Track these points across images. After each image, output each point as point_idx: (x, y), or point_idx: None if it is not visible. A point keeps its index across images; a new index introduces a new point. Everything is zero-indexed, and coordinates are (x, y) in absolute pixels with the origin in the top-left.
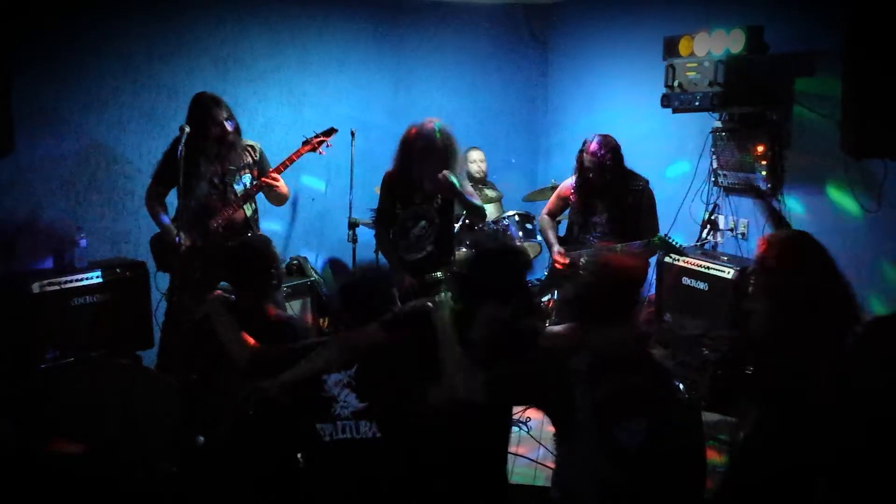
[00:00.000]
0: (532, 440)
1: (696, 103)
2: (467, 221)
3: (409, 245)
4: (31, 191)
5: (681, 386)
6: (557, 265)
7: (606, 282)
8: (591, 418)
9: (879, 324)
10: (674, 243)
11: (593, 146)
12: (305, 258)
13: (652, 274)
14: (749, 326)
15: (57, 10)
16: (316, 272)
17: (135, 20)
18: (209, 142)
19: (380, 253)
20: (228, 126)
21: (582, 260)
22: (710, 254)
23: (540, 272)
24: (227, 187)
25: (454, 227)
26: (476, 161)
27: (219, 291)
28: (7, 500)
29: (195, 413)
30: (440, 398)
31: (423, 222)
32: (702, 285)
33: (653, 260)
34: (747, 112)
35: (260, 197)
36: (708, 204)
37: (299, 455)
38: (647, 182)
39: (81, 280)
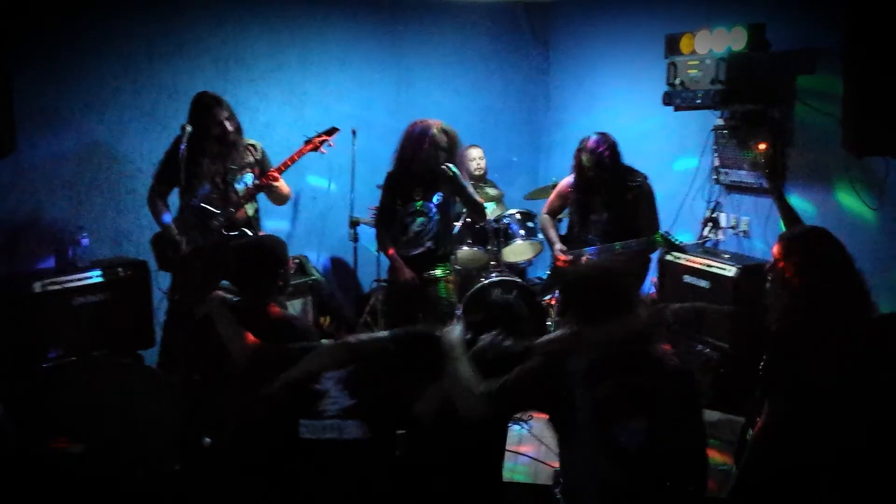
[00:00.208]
0: (533, 439)
1: (698, 101)
2: (468, 220)
3: (409, 240)
4: (33, 190)
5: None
6: (559, 263)
7: (590, 280)
8: (591, 419)
9: (889, 320)
10: (675, 241)
11: (590, 145)
12: (306, 257)
13: (653, 272)
14: (766, 321)
15: (57, 10)
16: (317, 271)
17: (136, 20)
18: (210, 141)
19: (380, 253)
20: (229, 125)
21: (583, 259)
22: (712, 252)
23: (542, 271)
24: (228, 186)
25: (454, 225)
26: (475, 159)
27: (219, 291)
28: (7, 500)
29: (198, 413)
30: (427, 410)
31: (422, 218)
32: (703, 283)
33: (654, 258)
34: (749, 110)
35: (261, 196)
36: (709, 202)
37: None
38: (646, 178)
39: (83, 279)
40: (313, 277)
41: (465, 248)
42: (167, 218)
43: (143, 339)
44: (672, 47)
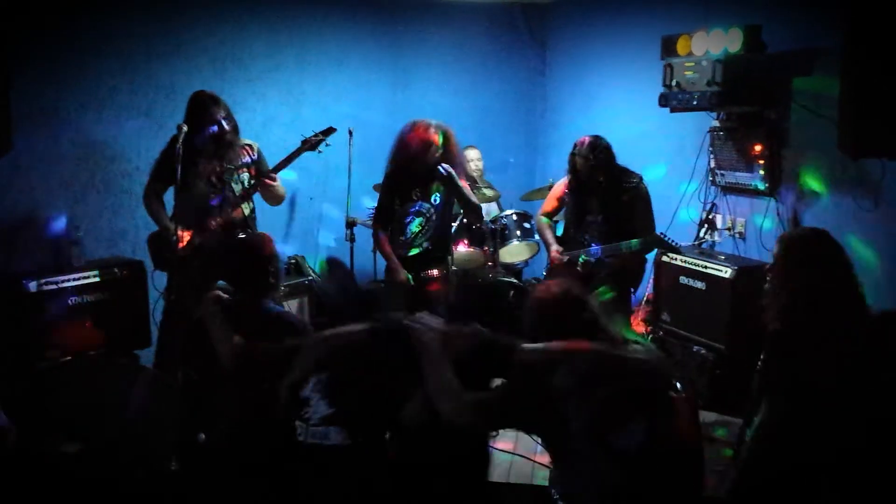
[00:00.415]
0: (530, 439)
1: (694, 102)
2: (465, 220)
3: (406, 241)
4: (30, 190)
5: (678, 385)
6: (555, 265)
7: (554, 302)
8: (587, 430)
9: (887, 319)
10: (670, 241)
11: (584, 147)
12: (303, 257)
13: (649, 273)
14: (764, 321)
15: (56, 9)
16: (313, 271)
17: (133, 20)
18: (207, 140)
19: (377, 252)
20: (226, 125)
21: (580, 258)
22: (708, 253)
23: (539, 271)
24: (225, 186)
25: (452, 226)
26: (473, 160)
27: (216, 291)
28: (7, 500)
29: (195, 412)
30: (413, 416)
31: (419, 219)
32: (699, 284)
33: (651, 259)
34: (745, 111)
35: (257, 196)
36: (706, 203)
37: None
38: (641, 178)
39: (79, 279)
40: (310, 278)
41: (462, 248)
42: (164, 217)
43: (140, 339)
44: (668, 49)
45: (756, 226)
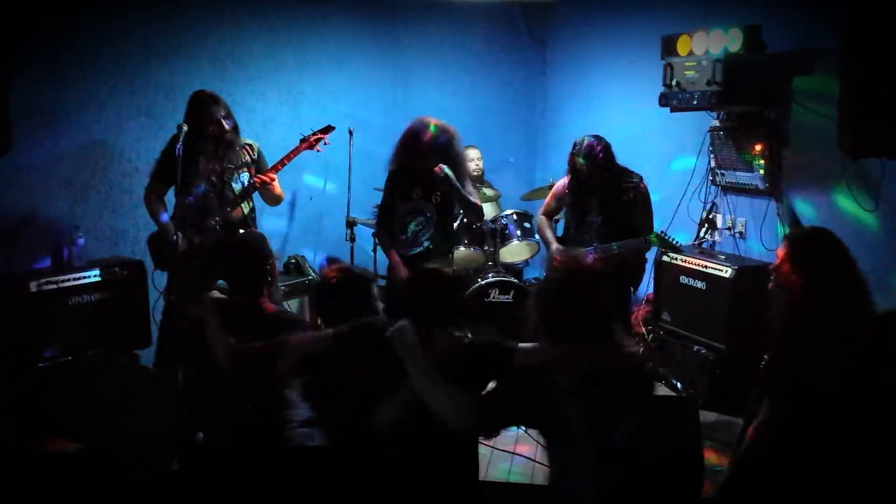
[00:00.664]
0: (530, 439)
1: (695, 102)
2: (465, 220)
3: (406, 240)
4: (30, 190)
5: (678, 385)
6: (556, 264)
7: (572, 298)
8: (588, 430)
9: (888, 319)
10: (671, 240)
11: (584, 147)
12: (303, 257)
13: (650, 273)
14: (767, 320)
15: (56, 9)
16: (314, 271)
17: (133, 20)
18: (207, 140)
19: (379, 250)
20: (226, 124)
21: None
22: (708, 253)
23: (539, 271)
24: (224, 186)
25: (454, 225)
26: (473, 160)
27: (214, 292)
28: (7, 500)
29: (194, 411)
30: (386, 421)
31: (420, 218)
32: (700, 284)
33: (651, 259)
34: (745, 111)
35: (256, 195)
36: (706, 203)
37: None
38: (641, 178)
39: (79, 279)
40: (310, 277)
41: (462, 248)
42: (164, 217)
43: (140, 339)
44: (668, 48)
45: (756, 225)
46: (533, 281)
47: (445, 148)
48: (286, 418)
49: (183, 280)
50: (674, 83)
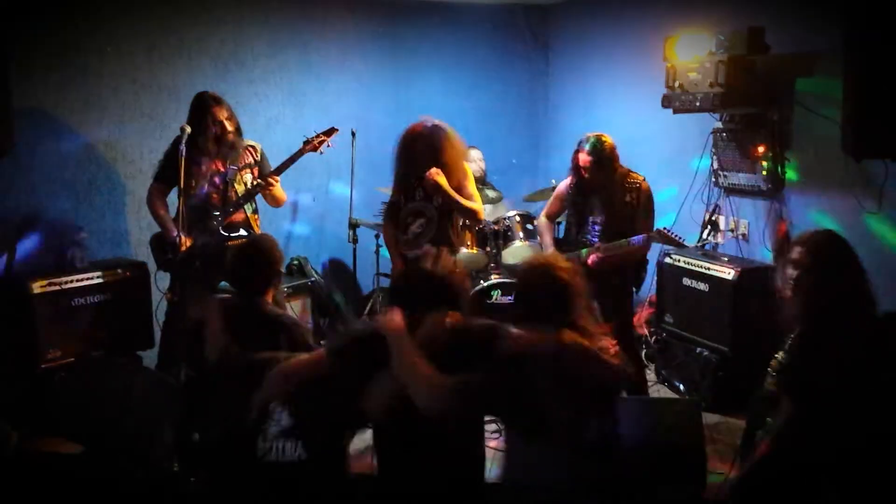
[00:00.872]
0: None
1: (697, 104)
2: (467, 222)
3: (408, 241)
4: (32, 190)
5: (681, 386)
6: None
7: (538, 283)
8: (561, 419)
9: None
10: (673, 236)
11: (590, 143)
12: (306, 258)
13: (652, 274)
14: (777, 322)
15: (57, 9)
16: (316, 272)
17: (136, 20)
18: (209, 141)
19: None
20: (229, 125)
21: (582, 252)
22: (711, 255)
23: None
24: (227, 187)
25: (457, 226)
26: (475, 160)
27: (220, 294)
28: (7, 501)
29: (194, 412)
30: (376, 407)
31: (421, 219)
32: (702, 286)
33: (653, 260)
34: (748, 112)
35: (259, 197)
36: (708, 204)
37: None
38: (644, 179)
39: (82, 280)
40: (313, 279)
41: (464, 249)
42: (167, 218)
43: (143, 340)
44: (671, 50)
45: (759, 227)
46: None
47: (437, 149)
48: (261, 430)
49: (185, 281)
50: (676, 85)
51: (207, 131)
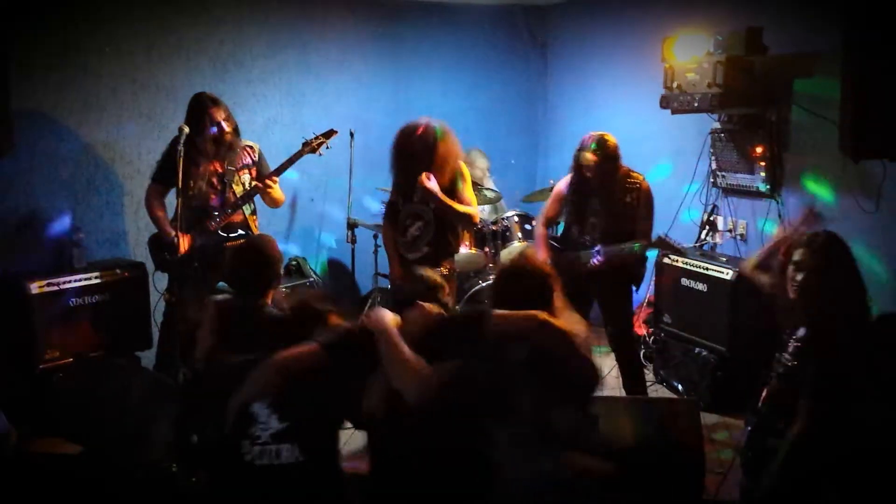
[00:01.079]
0: None
1: (696, 104)
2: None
3: (406, 243)
4: (31, 191)
5: (679, 386)
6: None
7: (514, 273)
8: (530, 407)
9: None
10: (674, 243)
11: (593, 140)
12: (304, 259)
13: (651, 274)
14: (777, 321)
15: (57, 9)
16: (315, 273)
17: (135, 20)
18: (208, 142)
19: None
20: (227, 126)
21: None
22: (709, 255)
23: None
24: (225, 187)
25: (455, 229)
26: (478, 164)
27: (218, 295)
28: (7, 501)
29: (192, 413)
30: (374, 406)
31: (419, 222)
32: (701, 286)
33: (652, 260)
34: (746, 113)
35: (258, 197)
36: (707, 205)
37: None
38: (644, 178)
39: (80, 280)
40: (311, 279)
41: (463, 250)
42: (165, 219)
43: (141, 341)
44: (669, 50)
45: (757, 228)
46: None
47: (429, 149)
48: (247, 435)
49: (183, 282)
50: (674, 85)
51: (205, 132)
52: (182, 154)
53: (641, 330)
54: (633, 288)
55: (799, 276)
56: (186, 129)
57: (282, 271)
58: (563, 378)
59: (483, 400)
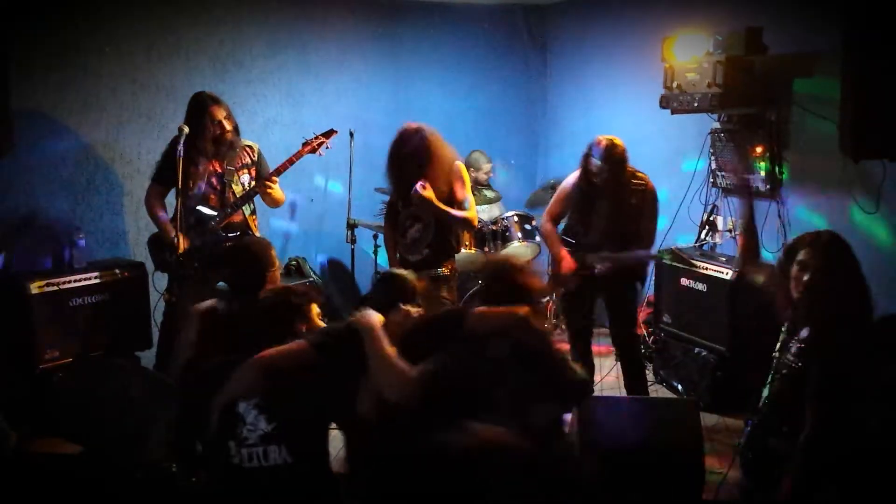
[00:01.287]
0: None
1: (695, 104)
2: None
3: (406, 245)
4: (31, 191)
5: (679, 387)
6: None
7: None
8: (509, 403)
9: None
10: (685, 256)
11: (603, 150)
12: (304, 258)
13: (651, 275)
14: (779, 321)
15: (57, 9)
16: (314, 273)
17: (135, 21)
18: (207, 141)
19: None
20: (227, 125)
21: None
22: (709, 255)
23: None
24: (225, 187)
25: (455, 230)
26: (482, 168)
27: (209, 301)
28: (7, 501)
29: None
30: (369, 408)
31: (419, 224)
32: (700, 286)
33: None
34: (746, 113)
35: (258, 198)
36: (707, 205)
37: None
38: (648, 178)
39: (80, 280)
40: (311, 279)
41: (463, 250)
42: (165, 218)
43: (141, 341)
44: (669, 50)
45: (757, 227)
46: None
47: (423, 154)
48: (234, 436)
49: (183, 282)
50: (674, 85)
51: (205, 131)
52: (182, 154)
53: (641, 330)
54: (639, 286)
55: (805, 276)
56: (186, 130)
57: (277, 270)
58: (543, 374)
59: (463, 397)
